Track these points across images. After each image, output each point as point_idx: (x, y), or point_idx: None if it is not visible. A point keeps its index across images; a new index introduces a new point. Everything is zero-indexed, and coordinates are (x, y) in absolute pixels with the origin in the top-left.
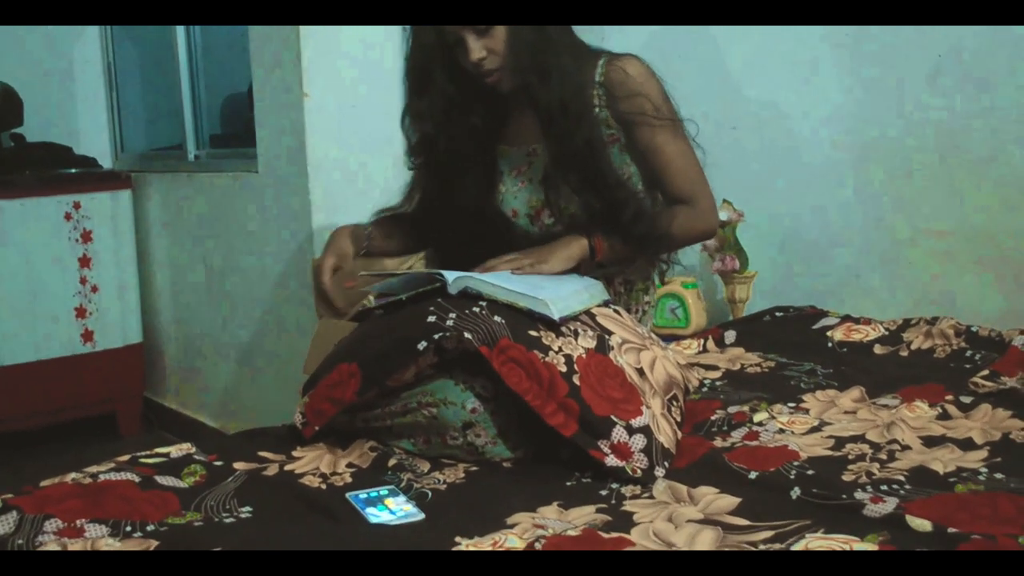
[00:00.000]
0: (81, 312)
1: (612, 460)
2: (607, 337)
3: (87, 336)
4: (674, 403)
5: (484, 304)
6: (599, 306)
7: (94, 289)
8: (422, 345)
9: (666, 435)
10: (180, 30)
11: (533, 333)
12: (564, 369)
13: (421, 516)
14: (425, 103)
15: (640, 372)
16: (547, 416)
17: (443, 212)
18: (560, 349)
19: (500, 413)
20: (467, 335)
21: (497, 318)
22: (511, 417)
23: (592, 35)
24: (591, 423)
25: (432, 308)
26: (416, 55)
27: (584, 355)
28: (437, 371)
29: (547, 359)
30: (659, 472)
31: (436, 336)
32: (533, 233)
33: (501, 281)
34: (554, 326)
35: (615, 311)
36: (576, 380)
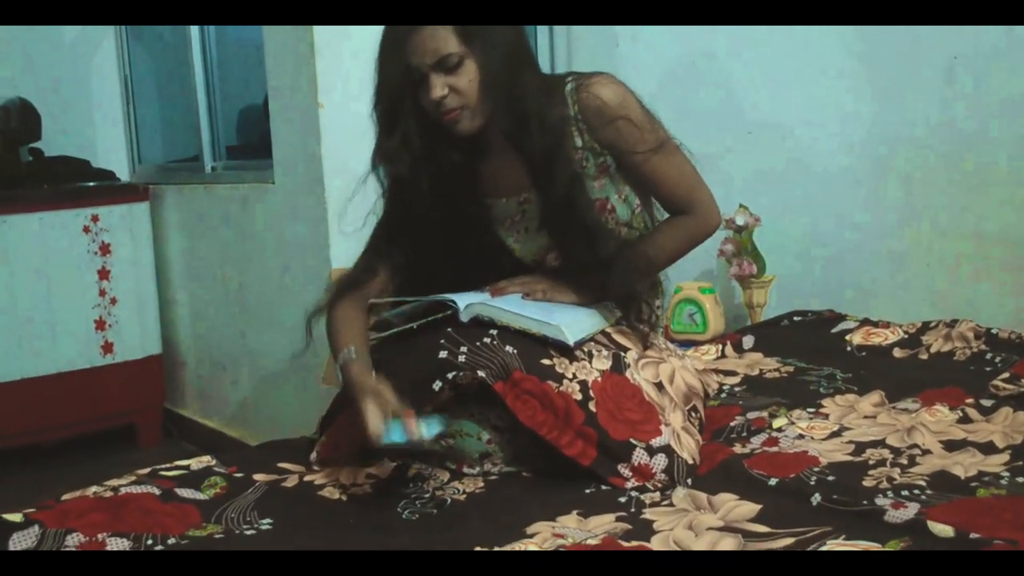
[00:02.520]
0: (100, 324)
1: (633, 484)
2: (623, 355)
3: (107, 348)
4: (694, 413)
5: (495, 333)
6: (612, 325)
7: (113, 301)
8: (437, 385)
9: (688, 449)
10: (196, 42)
11: (546, 362)
12: (579, 397)
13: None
14: (396, 142)
15: (659, 387)
16: (564, 447)
17: (438, 254)
18: (574, 376)
19: (515, 441)
20: (480, 373)
21: (509, 348)
22: (525, 443)
23: (608, 44)
24: (610, 448)
25: (442, 341)
26: (383, 93)
27: (599, 378)
28: (453, 403)
29: (561, 388)
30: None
31: (450, 376)
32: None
33: (512, 306)
34: (569, 351)
35: (628, 326)
36: (592, 407)
